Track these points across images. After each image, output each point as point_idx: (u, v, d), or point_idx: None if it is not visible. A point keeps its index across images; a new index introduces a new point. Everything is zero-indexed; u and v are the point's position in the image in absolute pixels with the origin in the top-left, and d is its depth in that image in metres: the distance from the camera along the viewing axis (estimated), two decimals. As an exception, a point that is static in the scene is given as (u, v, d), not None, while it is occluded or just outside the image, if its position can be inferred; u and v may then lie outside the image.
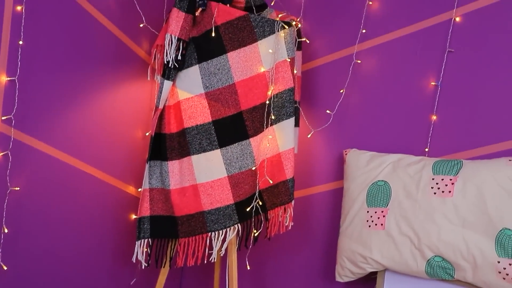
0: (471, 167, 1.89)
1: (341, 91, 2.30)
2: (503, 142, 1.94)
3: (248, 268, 2.33)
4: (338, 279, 2.13)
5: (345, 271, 2.10)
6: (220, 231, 2.01)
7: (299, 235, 2.38)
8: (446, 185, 1.89)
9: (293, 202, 2.08)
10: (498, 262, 1.76)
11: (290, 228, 2.12)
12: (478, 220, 1.81)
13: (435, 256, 1.87)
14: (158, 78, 2.14)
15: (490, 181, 1.82)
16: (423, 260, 1.90)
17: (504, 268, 1.75)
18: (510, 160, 1.84)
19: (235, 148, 2.02)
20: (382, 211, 2.01)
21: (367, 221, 2.03)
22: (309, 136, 2.35)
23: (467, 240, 1.82)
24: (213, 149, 2.02)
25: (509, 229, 1.76)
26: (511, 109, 1.94)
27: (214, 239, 2.00)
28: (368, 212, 2.04)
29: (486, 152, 1.97)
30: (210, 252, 2.03)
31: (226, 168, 2.01)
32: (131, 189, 2.28)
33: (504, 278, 1.75)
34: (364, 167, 2.12)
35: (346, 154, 2.22)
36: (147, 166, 2.08)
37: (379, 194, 2.03)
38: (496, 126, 1.96)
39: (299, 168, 2.38)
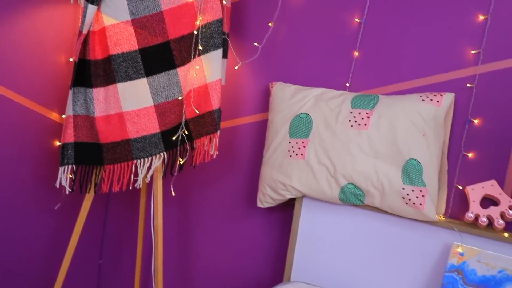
0: (386, 102, 2.01)
1: (269, 24, 2.33)
2: (416, 79, 2.07)
3: (173, 195, 2.40)
4: (259, 205, 2.25)
5: (266, 197, 2.22)
6: (146, 159, 2.04)
7: (224, 165, 2.46)
8: (363, 118, 2.01)
9: (218, 132, 2.13)
10: (403, 189, 1.93)
11: (215, 157, 2.19)
12: (389, 151, 1.96)
13: (348, 183, 2.02)
14: (81, 1, 2.06)
15: (401, 115, 1.96)
16: (337, 187, 2.04)
17: (408, 194, 1.92)
18: (420, 96, 1.97)
19: (162, 77, 2.03)
20: (303, 142, 2.11)
21: (289, 151, 2.13)
22: (236, 68, 2.38)
23: (378, 169, 1.97)
24: (139, 78, 2.01)
25: (415, 159, 1.92)
26: (424, 48, 2.06)
27: (140, 166, 2.04)
28: (290, 143, 2.14)
29: (401, 89, 2.09)
30: (135, 178, 2.06)
31: (152, 97, 2.01)
32: (54, 116, 2.24)
33: (406, 203, 1.93)
34: (289, 100, 2.20)
35: (272, 87, 2.28)
36: (70, 92, 2.04)
37: (301, 126, 2.13)
38: (410, 64, 2.08)
39: (226, 99, 2.42)
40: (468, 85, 1.97)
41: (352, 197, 2.04)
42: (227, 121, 2.44)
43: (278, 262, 2.34)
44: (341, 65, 2.21)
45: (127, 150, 2.04)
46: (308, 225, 2.18)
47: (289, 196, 2.17)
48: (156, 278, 2.16)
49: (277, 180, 2.16)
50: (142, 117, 2.02)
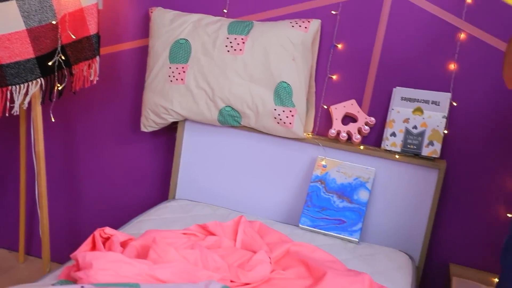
0: (260, 28, 2.13)
1: None
2: (288, 6, 2.20)
3: (53, 121, 2.39)
4: (143, 129, 2.33)
5: (150, 122, 2.30)
6: (22, 85, 2.01)
7: (107, 91, 2.48)
8: (238, 44, 2.12)
9: (98, 57, 2.14)
10: (275, 109, 2.10)
11: (95, 82, 2.21)
12: (262, 75, 2.10)
13: (226, 106, 2.15)
14: None
15: (273, 41, 2.09)
16: (216, 110, 2.17)
17: (279, 114, 2.10)
18: (290, 23, 2.11)
19: (33, 0, 1.96)
20: (183, 67, 2.19)
21: (169, 76, 2.20)
22: (114, -8, 2.35)
23: (252, 92, 2.11)
24: (8, 0, 1.93)
25: (285, 82, 2.08)
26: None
27: (16, 93, 2.00)
28: (170, 68, 2.20)
29: (275, 15, 2.21)
30: (12, 105, 2.03)
31: (24, 21, 1.95)
32: None
33: (278, 123, 2.11)
34: (168, 25, 2.24)
35: (151, 12, 2.30)
36: None
37: (180, 52, 2.19)
38: (282, -9, 2.20)
39: (105, 25, 2.40)
40: (333, 12, 2.14)
41: (230, 119, 2.18)
42: (108, 47, 2.43)
43: (164, 182, 2.46)
44: (219, -9, 2.27)
45: (1, 76, 1.99)
46: (191, 146, 2.31)
47: (171, 119, 2.26)
48: (40, 203, 2.20)
49: (159, 105, 2.23)
50: (15, 41, 1.96)
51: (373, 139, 2.15)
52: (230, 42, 2.13)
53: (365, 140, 2.16)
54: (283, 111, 2.09)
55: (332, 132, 2.14)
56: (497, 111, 1.99)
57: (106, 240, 1.54)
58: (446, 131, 2.04)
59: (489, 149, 2.02)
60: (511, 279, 1.27)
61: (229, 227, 1.77)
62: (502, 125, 1.99)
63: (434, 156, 2.00)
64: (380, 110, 2.14)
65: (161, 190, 2.48)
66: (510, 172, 2.01)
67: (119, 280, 1.18)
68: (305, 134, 2.17)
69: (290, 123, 2.10)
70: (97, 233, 1.50)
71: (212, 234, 1.74)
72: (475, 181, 2.05)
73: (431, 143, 2.01)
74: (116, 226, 1.88)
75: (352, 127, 2.13)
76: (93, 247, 1.49)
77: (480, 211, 2.05)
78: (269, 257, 1.60)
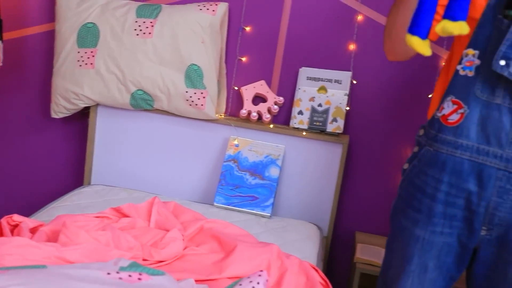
0: (168, 12, 2.15)
1: None
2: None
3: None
4: (53, 115, 2.29)
5: (60, 108, 2.26)
6: None
7: (14, 78, 2.41)
8: (147, 27, 2.13)
9: (1, 42, 2.07)
10: (186, 92, 2.14)
11: (-1, 68, 2.14)
12: (172, 58, 2.13)
13: (138, 90, 2.16)
14: None
15: (182, 24, 2.12)
16: (127, 94, 2.17)
17: (190, 97, 2.14)
18: (198, 6, 2.15)
19: None
20: (92, 51, 2.17)
21: (78, 61, 2.18)
22: (16, -26, 2.28)
23: (163, 75, 2.13)
24: None
25: (196, 65, 2.12)
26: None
27: None
28: (79, 52, 2.18)
29: (183, -1, 2.24)
30: None
31: None
32: None
33: (190, 105, 2.16)
34: (75, 9, 2.21)
35: (57, -5, 2.25)
36: None
37: (88, 36, 2.17)
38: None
39: (7, 8, 2.32)
40: (240, -5, 2.20)
41: (143, 102, 2.20)
42: (12, 32, 2.36)
43: (79, 169, 2.44)
44: (126, -25, 2.26)
45: None
46: (105, 131, 2.30)
47: (82, 105, 2.24)
48: None
49: (69, 90, 2.20)
50: None
51: (283, 118, 2.25)
52: (139, 26, 2.13)
53: (275, 119, 2.25)
54: (195, 93, 2.14)
55: (243, 112, 2.21)
56: (392, 86, 2.15)
57: (14, 227, 1.53)
58: (348, 108, 2.17)
59: (387, 122, 2.18)
60: (398, 239, 1.40)
61: (143, 208, 1.80)
62: (397, 100, 2.15)
63: (338, 131, 2.13)
64: (288, 90, 2.24)
65: (76, 176, 2.45)
66: (406, 142, 2.18)
67: (26, 263, 1.19)
68: (217, 115, 2.23)
69: (202, 105, 2.15)
70: (4, 220, 1.49)
71: (126, 216, 1.77)
72: (375, 152, 2.21)
73: (335, 120, 2.14)
74: (29, 214, 1.86)
75: (262, 107, 2.22)
76: (0, 235, 1.48)
77: (381, 181, 2.22)
78: (182, 235, 1.66)
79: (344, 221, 2.28)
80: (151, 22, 2.13)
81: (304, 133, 2.15)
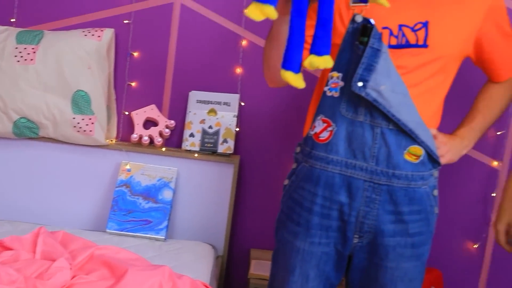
0: (51, 37, 2.11)
1: None
2: (80, 16, 2.21)
3: None
4: None
5: None
6: None
7: None
8: (29, 53, 2.07)
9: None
10: (74, 118, 2.10)
11: None
12: (57, 84, 2.09)
13: (21, 118, 2.09)
14: None
15: (66, 50, 2.09)
16: (9, 123, 2.09)
17: (78, 123, 2.11)
18: (83, 32, 2.13)
19: None
20: (-31, 79, 2.07)
21: (-46, 89, 2.07)
22: None
23: (48, 102, 2.08)
24: None
25: (82, 91, 2.10)
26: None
27: None
28: (-46, 80, 2.07)
29: (66, 25, 2.21)
30: None
31: None
32: None
33: (78, 131, 2.12)
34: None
35: None
36: None
37: (-35, 63, 2.07)
38: (73, 1, 2.20)
39: None
40: (126, 21, 2.21)
41: (27, 131, 2.12)
42: None
43: (-41, 203, 2.29)
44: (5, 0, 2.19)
45: None
46: (-14, 162, 2.19)
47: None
48: None
49: None
50: None
51: (175, 141, 2.28)
52: (20, 52, 2.07)
53: (167, 142, 2.27)
54: (82, 119, 2.11)
55: (134, 136, 2.21)
56: (277, 107, 2.25)
57: None
58: (237, 129, 2.25)
59: (274, 141, 2.28)
60: (281, 252, 1.48)
61: (28, 240, 1.74)
62: (282, 120, 2.26)
63: (228, 152, 2.20)
64: (179, 113, 2.27)
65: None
66: (292, 160, 2.29)
67: None
68: (107, 140, 2.20)
69: (91, 131, 2.12)
70: None
71: (9, 249, 1.69)
72: (265, 171, 2.30)
73: (225, 141, 2.20)
74: None
75: (154, 131, 2.23)
76: None
77: (272, 198, 2.30)
78: (70, 264, 1.62)
79: (240, 239, 2.34)
80: (32, 49, 2.08)
81: (196, 155, 2.19)
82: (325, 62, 1.17)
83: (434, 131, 1.40)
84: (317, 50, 1.17)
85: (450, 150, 1.45)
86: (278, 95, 2.23)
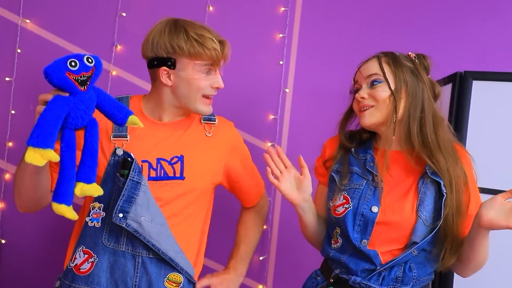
0: None
1: None
2: None
3: None
4: None
5: None
6: None
7: None
8: None
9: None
10: None
11: None
12: None
13: None
14: None
15: None
16: None
17: None
18: None
19: None
20: None
21: None
22: None
23: None
24: None
25: None
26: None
27: None
28: None
29: None
30: None
31: None
32: None
33: None
34: None
35: None
36: None
37: None
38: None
39: None
40: None
41: None
42: None
43: None
44: None
45: None
46: None
47: None
48: None
49: None
50: None
51: None
52: None
53: None
54: None
55: None
56: (37, 242, 2.11)
57: None
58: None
59: (33, 274, 2.09)
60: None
61: None
62: (42, 253, 2.11)
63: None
64: None
65: None
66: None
67: None
68: None
69: None
70: None
71: None
72: None
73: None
74: None
75: None
76: None
77: None
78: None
79: None
80: None
81: None
82: (96, 190, 1.18)
83: (205, 279, 1.48)
84: (85, 177, 1.17)
85: (228, 285, 1.53)
86: (35, 230, 2.09)
